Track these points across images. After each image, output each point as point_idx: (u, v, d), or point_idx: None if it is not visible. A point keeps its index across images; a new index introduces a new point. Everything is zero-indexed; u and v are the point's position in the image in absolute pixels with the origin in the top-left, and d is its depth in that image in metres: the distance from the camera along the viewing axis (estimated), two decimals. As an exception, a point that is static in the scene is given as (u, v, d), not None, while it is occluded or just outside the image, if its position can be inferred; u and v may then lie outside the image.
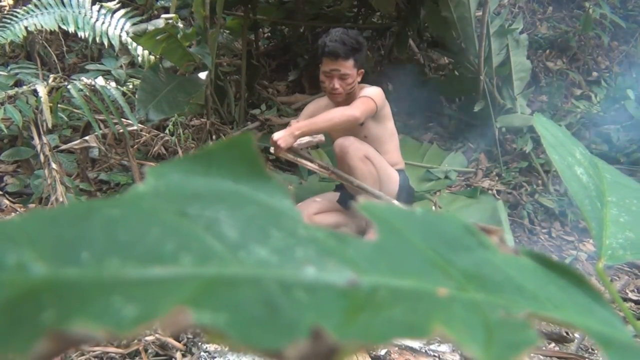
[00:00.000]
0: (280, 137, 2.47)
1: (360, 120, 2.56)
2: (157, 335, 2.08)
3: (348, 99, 2.72)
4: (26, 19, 3.23)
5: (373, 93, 2.66)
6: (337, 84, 2.64)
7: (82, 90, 2.68)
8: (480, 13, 3.71)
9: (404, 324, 0.22)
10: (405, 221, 0.29)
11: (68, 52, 4.40)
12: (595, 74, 4.83)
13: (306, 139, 2.54)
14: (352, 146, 2.65)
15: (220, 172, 0.27)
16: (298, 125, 2.51)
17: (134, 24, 3.25)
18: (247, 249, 0.23)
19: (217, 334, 0.19)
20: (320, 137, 2.61)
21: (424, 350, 2.14)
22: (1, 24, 3.23)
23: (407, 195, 2.96)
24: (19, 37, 3.19)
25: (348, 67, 2.62)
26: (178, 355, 2.05)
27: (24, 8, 3.30)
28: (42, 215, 0.22)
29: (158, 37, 2.93)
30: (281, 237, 0.24)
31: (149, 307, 0.19)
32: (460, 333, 0.22)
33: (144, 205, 0.24)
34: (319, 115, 2.57)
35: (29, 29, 3.21)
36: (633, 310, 2.48)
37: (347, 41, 2.61)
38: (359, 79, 2.72)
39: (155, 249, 0.21)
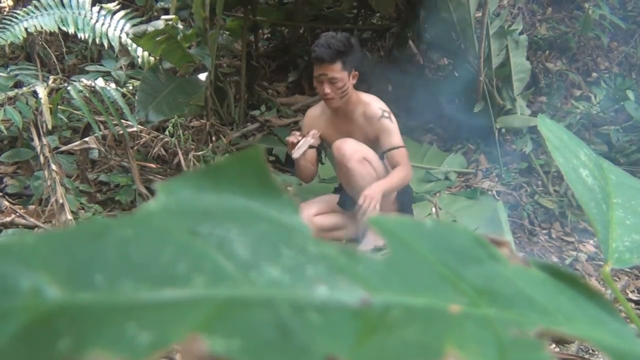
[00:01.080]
0: (374, 195, 2.55)
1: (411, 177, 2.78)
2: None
3: (345, 104, 2.72)
4: (26, 20, 3.22)
5: (397, 136, 2.74)
6: (327, 88, 2.63)
7: (82, 91, 2.68)
8: (480, 14, 3.71)
9: (417, 346, 0.21)
10: (415, 234, 0.29)
11: (68, 53, 4.40)
12: (594, 74, 4.82)
13: (306, 143, 2.59)
14: (350, 148, 2.65)
15: (231, 188, 0.27)
16: (382, 186, 2.60)
17: (133, 25, 3.24)
18: (259, 269, 0.23)
19: (232, 362, 0.19)
20: (316, 139, 2.66)
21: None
22: (1, 25, 3.23)
23: (407, 197, 2.96)
24: (18, 38, 3.18)
25: (335, 70, 2.61)
26: (178, 356, 2.05)
27: (24, 9, 3.29)
28: (55, 236, 0.21)
29: (158, 39, 2.92)
30: (292, 255, 0.24)
31: (162, 334, 0.19)
32: (473, 355, 0.22)
33: (155, 224, 0.24)
34: (394, 175, 2.67)
35: (28, 30, 3.20)
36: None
37: (333, 44, 2.59)
38: (353, 82, 2.70)
39: (168, 270, 0.21)
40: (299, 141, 2.63)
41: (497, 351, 0.22)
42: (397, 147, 2.67)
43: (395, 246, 0.28)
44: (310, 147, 2.74)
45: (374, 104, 2.74)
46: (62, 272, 0.20)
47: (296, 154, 2.62)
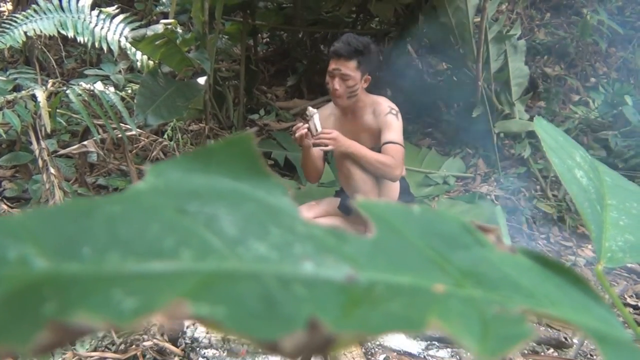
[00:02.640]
0: (340, 139, 2.57)
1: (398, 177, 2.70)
2: (155, 340, 2.08)
3: (354, 105, 2.73)
4: (25, 24, 3.23)
5: (397, 133, 2.71)
6: (337, 84, 2.65)
7: (80, 95, 2.68)
8: (479, 19, 3.72)
9: (401, 317, 0.22)
10: (403, 219, 0.29)
11: (67, 57, 4.41)
12: (593, 79, 4.84)
13: (314, 121, 2.61)
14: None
15: (220, 170, 0.27)
16: (355, 145, 2.60)
17: (133, 29, 3.25)
18: (246, 245, 0.23)
19: (215, 326, 0.19)
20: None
21: (422, 356, 2.14)
22: (0, 29, 3.24)
23: (407, 201, 2.96)
24: (18, 42, 3.19)
25: (350, 67, 2.63)
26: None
27: (23, 13, 3.30)
28: (44, 212, 0.22)
29: (157, 42, 2.93)
30: (280, 233, 0.24)
31: (148, 300, 0.19)
32: (456, 326, 0.22)
33: (143, 202, 0.24)
34: (375, 153, 2.63)
35: (28, 34, 3.21)
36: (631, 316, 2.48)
37: (353, 43, 2.63)
38: (364, 85, 2.72)
39: (155, 244, 0.22)
40: (306, 127, 2.61)
41: (480, 324, 0.23)
42: (395, 143, 2.67)
43: (383, 229, 0.28)
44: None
45: (384, 103, 2.77)
46: (49, 244, 0.20)
47: (314, 130, 2.60)
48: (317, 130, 2.58)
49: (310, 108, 2.64)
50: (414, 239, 0.28)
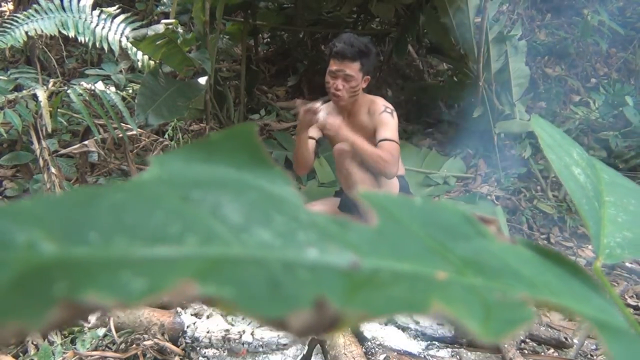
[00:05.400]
0: (342, 125, 2.59)
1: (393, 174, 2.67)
2: (155, 339, 2.08)
3: (352, 105, 2.74)
4: (26, 23, 3.23)
5: (393, 131, 2.69)
6: (340, 84, 2.66)
7: (81, 94, 2.69)
8: (479, 19, 3.73)
9: (404, 301, 0.22)
10: (405, 209, 0.29)
11: (68, 56, 4.42)
12: (593, 80, 4.84)
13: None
14: (351, 151, 2.66)
15: (222, 161, 0.28)
16: (352, 136, 2.60)
17: (134, 29, 3.26)
18: (250, 232, 0.24)
19: (223, 305, 0.20)
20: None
21: (422, 356, 2.14)
22: (1, 29, 3.24)
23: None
24: (19, 41, 3.19)
25: (353, 69, 2.65)
26: (176, 359, 2.05)
27: (25, 13, 3.30)
28: (50, 199, 0.22)
29: (158, 42, 2.94)
30: (283, 221, 0.25)
31: (156, 281, 0.19)
32: (459, 309, 0.22)
33: (148, 191, 0.24)
34: (370, 146, 2.62)
35: (29, 33, 3.21)
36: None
37: (356, 44, 2.64)
38: (364, 85, 2.73)
39: (160, 230, 0.22)
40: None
41: (483, 308, 0.23)
42: (390, 140, 2.67)
43: (385, 218, 0.28)
44: (311, 138, 2.77)
45: (379, 102, 2.78)
46: (56, 229, 0.21)
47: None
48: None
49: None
50: (415, 229, 0.28)
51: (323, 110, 2.63)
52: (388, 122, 2.70)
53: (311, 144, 2.82)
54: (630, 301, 2.66)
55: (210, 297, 0.19)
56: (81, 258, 0.20)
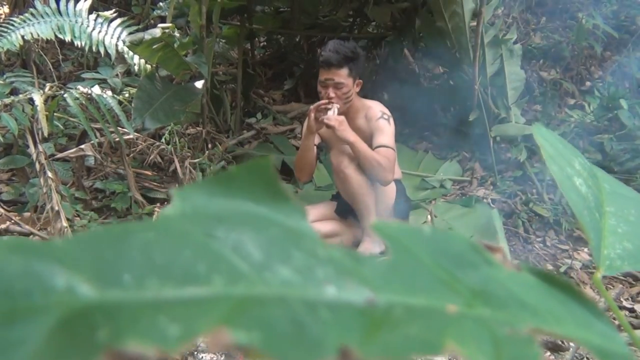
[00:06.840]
0: (345, 124, 2.59)
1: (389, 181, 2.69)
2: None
3: (348, 110, 2.74)
4: (22, 27, 3.22)
5: (389, 138, 2.70)
6: (332, 93, 2.66)
7: (78, 98, 2.69)
8: (475, 23, 3.74)
9: (420, 341, 0.23)
10: (414, 240, 0.30)
11: (64, 60, 4.41)
12: (588, 83, 4.86)
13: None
14: (348, 155, 2.67)
15: (241, 194, 0.29)
16: (354, 136, 2.60)
17: (130, 33, 3.26)
18: (272, 270, 0.25)
19: (253, 352, 0.21)
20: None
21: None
22: (-2, 33, 3.24)
23: (405, 205, 2.97)
24: (15, 45, 3.18)
25: (342, 75, 2.65)
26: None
27: (21, 17, 3.29)
28: (82, 239, 0.23)
29: (154, 46, 2.94)
30: (302, 257, 0.26)
31: (190, 326, 0.20)
32: (470, 349, 0.23)
33: (174, 228, 0.25)
34: (370, 150, 2.63)
35: (25, 37, 3.20)
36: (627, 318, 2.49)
37: (341, 50, 2.64)
38: (357, 89, 2.74)
39: (189, 270, 0.23)
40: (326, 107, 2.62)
41: (493, 346, 0.24)
42: (386, 146, 2.67)
43: (396, 250, 0.29)
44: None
45: (376, 107, 2.79)
46: (92, 271, 0.21)
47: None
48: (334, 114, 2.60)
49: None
50: (425, 260, 0.29)
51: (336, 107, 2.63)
52: (385, 128, 2.71)
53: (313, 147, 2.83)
54: (625, 303, 2.68)
55: (242, 345, 0.20)
56: (118, 302, 0.20)
